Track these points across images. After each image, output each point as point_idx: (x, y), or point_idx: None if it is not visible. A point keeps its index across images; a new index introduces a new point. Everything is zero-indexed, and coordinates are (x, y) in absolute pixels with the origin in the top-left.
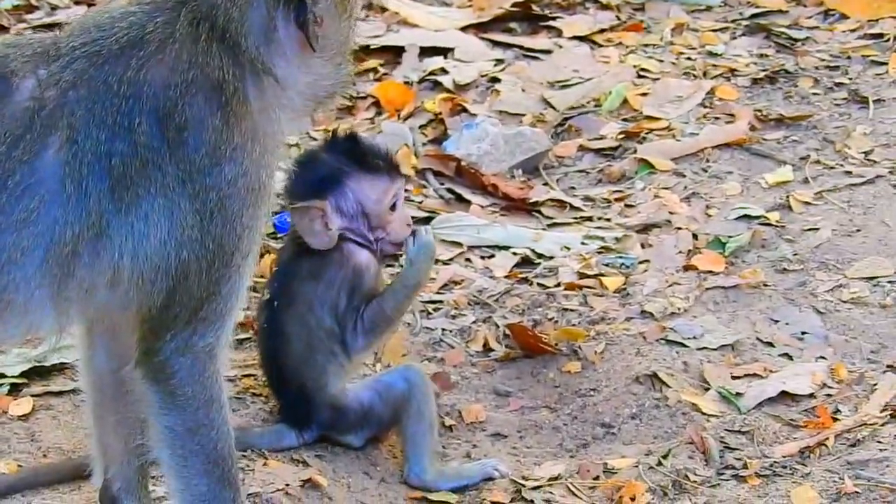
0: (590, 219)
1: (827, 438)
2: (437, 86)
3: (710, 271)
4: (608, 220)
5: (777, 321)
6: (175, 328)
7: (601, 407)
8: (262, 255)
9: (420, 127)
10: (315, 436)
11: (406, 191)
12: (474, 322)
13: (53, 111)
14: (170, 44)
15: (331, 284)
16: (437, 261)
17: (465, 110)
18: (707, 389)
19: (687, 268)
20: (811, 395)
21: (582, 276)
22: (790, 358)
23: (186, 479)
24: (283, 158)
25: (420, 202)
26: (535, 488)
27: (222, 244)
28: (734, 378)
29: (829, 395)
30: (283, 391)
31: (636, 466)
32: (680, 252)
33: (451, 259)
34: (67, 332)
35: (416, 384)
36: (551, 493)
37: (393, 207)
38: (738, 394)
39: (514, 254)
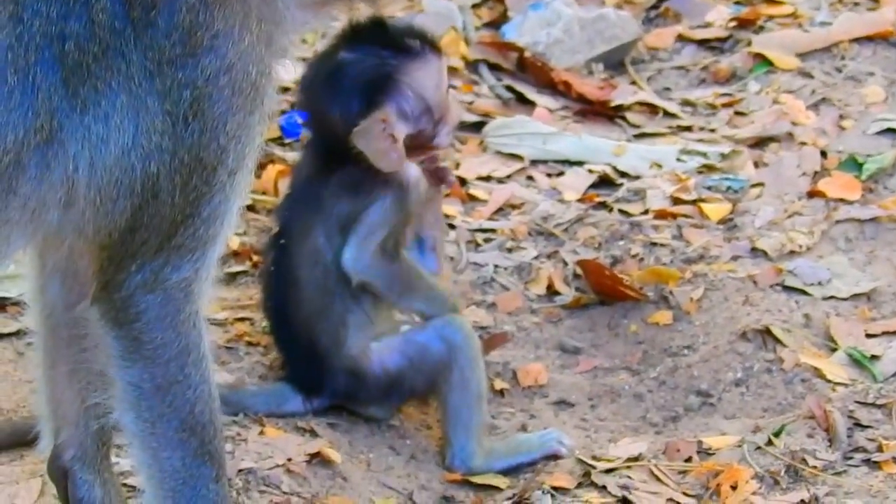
0: (689, 128)
1: None
2: None
3: (842, 199)
4: (712, 130)
5: None
6: (142, 258)
7: (697, 370)
8: (263, 166)
9: (473, 6)
10: (326, 403)
11: (452, 87)
12: (536, 257)
13: None
14: None
15: (369, 202)
16: (489, 178)
17: None
18: (834, 350)
19: (812, 194)
20: None
21: (676, 201)
22: None
23: (154, 450)
24: (289, 56)
25: (470, 103)
26: (608, 471)
27: (201, 157)
28: (869, 336)
29: None
30: (288, 348)
31: (740, 446)
32: (804, 174)
33: (508, 176)
34: (9, 260)
35: (458, 345)
36: (629, 477)
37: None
38: (873, 357)
39: (590, 171)
